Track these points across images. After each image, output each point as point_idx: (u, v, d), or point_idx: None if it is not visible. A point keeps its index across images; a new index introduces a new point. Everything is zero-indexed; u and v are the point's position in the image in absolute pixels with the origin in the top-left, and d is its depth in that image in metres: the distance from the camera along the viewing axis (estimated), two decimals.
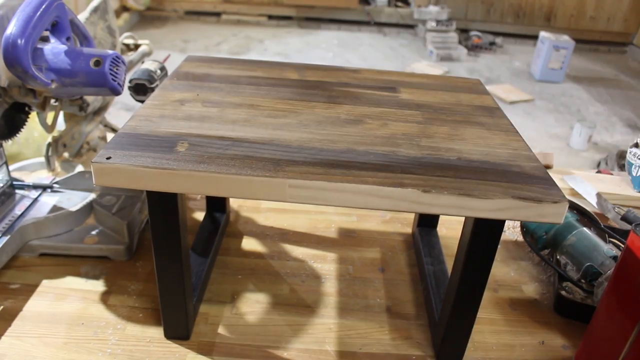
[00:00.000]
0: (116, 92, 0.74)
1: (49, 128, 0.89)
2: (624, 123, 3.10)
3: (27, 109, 0.87)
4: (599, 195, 1.10)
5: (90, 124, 1.05)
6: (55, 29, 0.74)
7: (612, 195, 1.11)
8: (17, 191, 0.93)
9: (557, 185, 0.56)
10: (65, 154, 1.05)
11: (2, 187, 0.89)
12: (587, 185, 1.15)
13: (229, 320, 0.77)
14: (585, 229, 0.88)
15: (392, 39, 4.44)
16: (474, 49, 4.19)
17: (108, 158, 0.54)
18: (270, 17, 4.66)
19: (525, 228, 0.94)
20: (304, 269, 0.89)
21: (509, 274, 0.91)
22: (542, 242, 0.91)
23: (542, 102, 3.31)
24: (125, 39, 1.11)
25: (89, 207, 0.92)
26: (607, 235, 0.90)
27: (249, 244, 0.95)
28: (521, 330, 0.79)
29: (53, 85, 0.71)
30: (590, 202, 1.10)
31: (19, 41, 0.65)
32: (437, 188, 0.53)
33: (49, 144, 1.01)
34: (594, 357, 0.68)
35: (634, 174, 1.14)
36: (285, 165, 0.55)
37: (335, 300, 0.82)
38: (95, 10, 0.94)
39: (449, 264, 0.87)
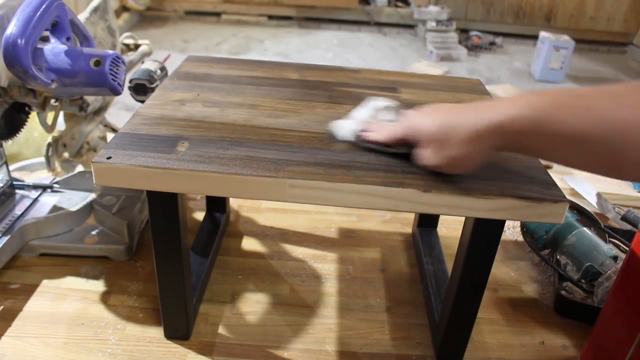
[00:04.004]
0: (116, 92, 0.74)
1: (49, 128, 0.89)
2: None
3: (27, 109, 0.87)
4: (599, 195, 1.09)
5: (90, 124, 1.05)
6: (56, 29, 0.74)
7: (612, 195, 1.11)
8: (17, 191, 0.93)
9: (557, 185, 0.56)
10: (65, 154, 1.05)
11: (2, 187, 0.89)
12: (587, 185, 1.15)
13: (229, 320, 0.77)
14: (585, 229, 0.88)
15: (392, 39, 4.44)
16: (474, 49, 4.19)
17: (108, 158, 0.54)
18: (270, 17, 4.66)
19: (525, 228, 0.94)
20: (304, 269, 0.89)
21: (509, 274, 0.91)
22: (542, 242, 0.91)
23: None
24: (125, 39, 1.11)
25: (89, 207, 0.92)
26: (607, 235, 0.90)
27: (249, 244, 0.95)
28: (521, 330, 0.79)
29: (53, 85, 0.71)
30: (590, 202, 1.10)
31: (19, 41, 0.65)
32: (437, 188, 0.53)
33: (49, 144, 1.01)
34: (600, 358, 0.68)
35: None
36: (286, 165, 0.55)
37: (335, 300, 0.82)
38: (95, 10, 0.94)
39: (449, 264, 0.87)
